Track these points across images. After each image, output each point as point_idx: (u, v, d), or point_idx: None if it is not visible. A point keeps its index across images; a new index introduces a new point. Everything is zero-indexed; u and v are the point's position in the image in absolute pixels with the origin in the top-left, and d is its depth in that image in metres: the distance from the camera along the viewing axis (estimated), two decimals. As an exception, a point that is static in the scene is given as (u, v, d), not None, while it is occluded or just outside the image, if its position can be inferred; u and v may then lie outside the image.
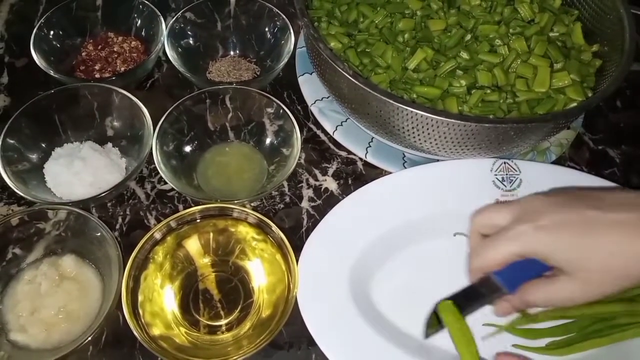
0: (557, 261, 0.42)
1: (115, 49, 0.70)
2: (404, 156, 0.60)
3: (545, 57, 0.56)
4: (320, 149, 0.64)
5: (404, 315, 0.50)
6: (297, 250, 0.50)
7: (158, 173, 0.56)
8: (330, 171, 0.62)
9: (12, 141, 0.57)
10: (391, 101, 0.49)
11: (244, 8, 0.69)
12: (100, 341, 0.51)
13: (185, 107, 0.59)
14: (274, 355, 0.50)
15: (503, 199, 0.53)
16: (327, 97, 0.64)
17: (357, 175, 0.62)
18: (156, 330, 0.48)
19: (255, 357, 0.46)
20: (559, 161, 0.62)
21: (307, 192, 0.60)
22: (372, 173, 0.62)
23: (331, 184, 0.61)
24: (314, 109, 0.64)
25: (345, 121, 0.62)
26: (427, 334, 0.46)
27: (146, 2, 0.69)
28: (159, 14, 0.68)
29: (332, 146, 0.64)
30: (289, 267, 0.49)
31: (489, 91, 0.54)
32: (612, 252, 0.40)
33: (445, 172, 0.55)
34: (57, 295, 0.50)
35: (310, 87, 0.65)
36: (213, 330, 0.51)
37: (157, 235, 0.51)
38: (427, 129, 0.50)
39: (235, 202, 0.53)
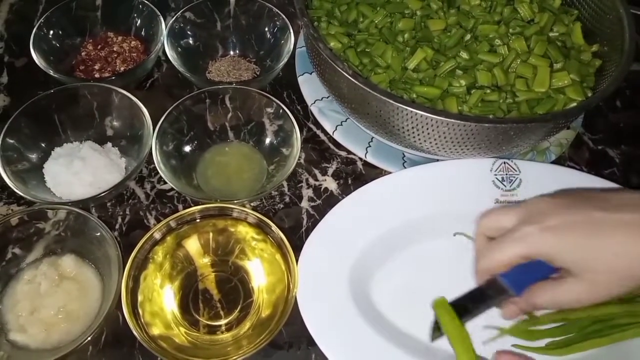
0: (564, 262, 0.42)
1: (114, 49, 0.70)
2: (404, 156, 0.60)
3: (545, 57, 0.56)
4: (320, 149, 0.64)
5: (404, 315, 0.50)
6: (297, 250, 0.50)
7: (158, 173, 0.56)
8: (330, 171, 0.62)
9: (11, 141, 0.57)
10: (391, 101, 0.49)
11: (244, 8, 0.69)
12: (99, 341, 0.51)
13: (184, 107, 0.59)
14: (273, 355, 0.50)
15: (503, 199, 0.53)
16: (327, 97, 0.64)
17: (356, 175, 0.62)
18: (156, 330, 0.48)
19: (255, 357, 0.46)
20: (559, 161, 0.62)
21: (307, 192, 0.60)
22: (371, 173, 0.62)
23: (331, 184, 0.61)
24: (313, 109, 0.64)
25: (345, 121, 0.62)
26: (433, 337, 0.46)
27: (146, 1, 0.69)
28: (159, 13, 0.68)
29: (331, 146, 0.64)
30: (289, 267, 0.49)
31: (488, 91, 0.54)
32: (617, 253, 0.40)
33: (445, 172, 0.55)
34: (57, 295, 0.50)
35: (310, 87, 0.65)
36: (213, 330, 0.51)
37: (157, 235, 0.50)
38: (427, 128, 0.50)
39: (235, 202, 0.53)
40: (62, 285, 0.51)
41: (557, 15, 0.60)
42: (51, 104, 0.59)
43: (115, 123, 0.62)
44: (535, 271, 0.43)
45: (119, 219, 0.58)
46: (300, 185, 0.61)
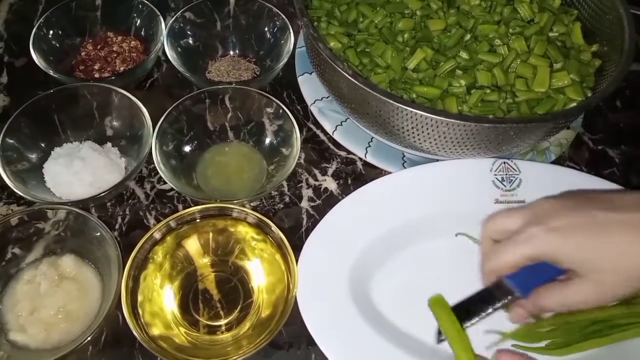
0: (570, 263, 0.42)
1: (114, 49, 0.70)
2: (404, 156, 0.60)
3: (545, 57, 0.56)
4: (319, 149, 0.64)
5: (404, 315, 0.50)
6: (297, 250, 0.50)
7: (157, 173, 0.56)
8: (330, 171, 0.62)
9: (11, 141, 0.57)
10: (391, 101, 0.49)
11: (244, 8, 0.69)
12: (99, 341, 0.51)
13: (184, 106, 0.59)
14: (273, 355, 0.50)
15: (503, 199, 0.53)
16: (327, 97, 0.64)
17: (356, 175, 0.62)
18: (156, 330, 0.48)
19: (255, 357, 0.46)
20: (559, 161, 0.62)
21: (307, 192, 0.60)
22: (371, 173, 0.62)
23: (331, 184, 0.61)
24: (313, 109, 0.64)
25: (345, 121, 0.62)
26: (439, 340, 0.46)
27: (145, 1, 0.69)
28: (159, 13, 0.68)
29: (331, 146, 0.64)
30: (289, 267, 0.49)
31: (488, 91, 0.54)
32: (623, 252, 0.40)
33: (444, 172, 0.55)
34: (57, 295, 0.50)
35: (310, 87, 0.65)
36: (213, 330, 0.51)
37: (157, 235, 0.50)
38: (427, 128, 0.50)
39: (235, 202, 0.53)
40: (62, 285, 0.51)
41: (557, 15, 0.60)
42: (51, 104, 0.59)
43: (115, 123, 0.62)
44: (541, 273, 0.44)
45: (119, 219, 0.58)
46: (300, 185, 0.61)
